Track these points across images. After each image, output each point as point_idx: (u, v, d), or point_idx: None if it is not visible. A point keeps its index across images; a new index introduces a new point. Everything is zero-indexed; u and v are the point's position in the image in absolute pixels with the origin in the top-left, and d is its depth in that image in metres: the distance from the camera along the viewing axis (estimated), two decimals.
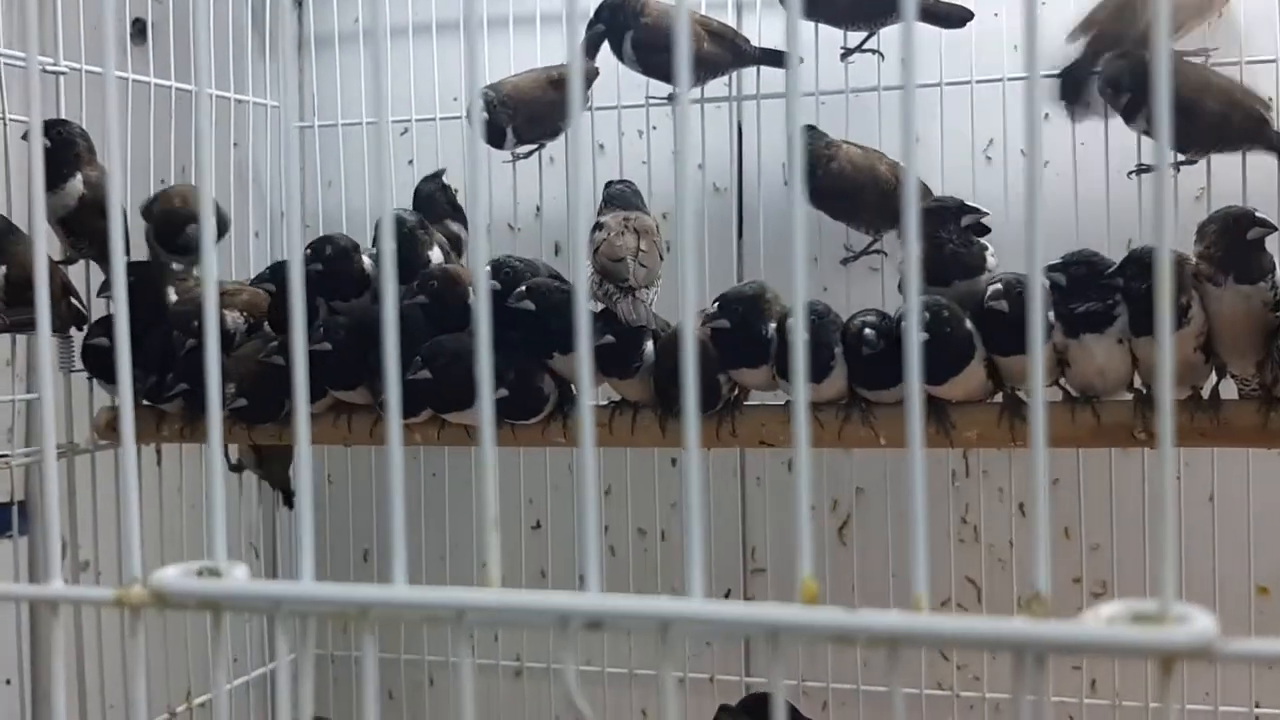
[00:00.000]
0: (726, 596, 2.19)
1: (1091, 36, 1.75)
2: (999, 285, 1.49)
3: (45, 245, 0.68)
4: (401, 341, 1.68)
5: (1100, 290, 1.47)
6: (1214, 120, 1.66)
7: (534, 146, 2.04)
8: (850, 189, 1.82)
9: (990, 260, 1.59)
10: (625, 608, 0.50)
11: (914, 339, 0.55)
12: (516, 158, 2.05)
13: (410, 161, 2.29)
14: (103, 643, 1.87)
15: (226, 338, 1.84)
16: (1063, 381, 1.55)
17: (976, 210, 1.57)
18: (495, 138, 1.94)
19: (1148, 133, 1.71)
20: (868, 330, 1.51)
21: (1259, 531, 1.89)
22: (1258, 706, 1.94)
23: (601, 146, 2.19)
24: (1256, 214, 1.44)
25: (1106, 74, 1.69)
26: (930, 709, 2.04)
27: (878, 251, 1.95)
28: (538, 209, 2.20)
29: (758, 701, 1.89)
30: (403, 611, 0.53)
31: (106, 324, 1.80)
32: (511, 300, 1.64)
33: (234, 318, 1.85)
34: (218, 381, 0.59)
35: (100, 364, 1.81)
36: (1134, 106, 1.66)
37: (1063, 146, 1.95)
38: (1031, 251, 0.54)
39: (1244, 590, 1.92)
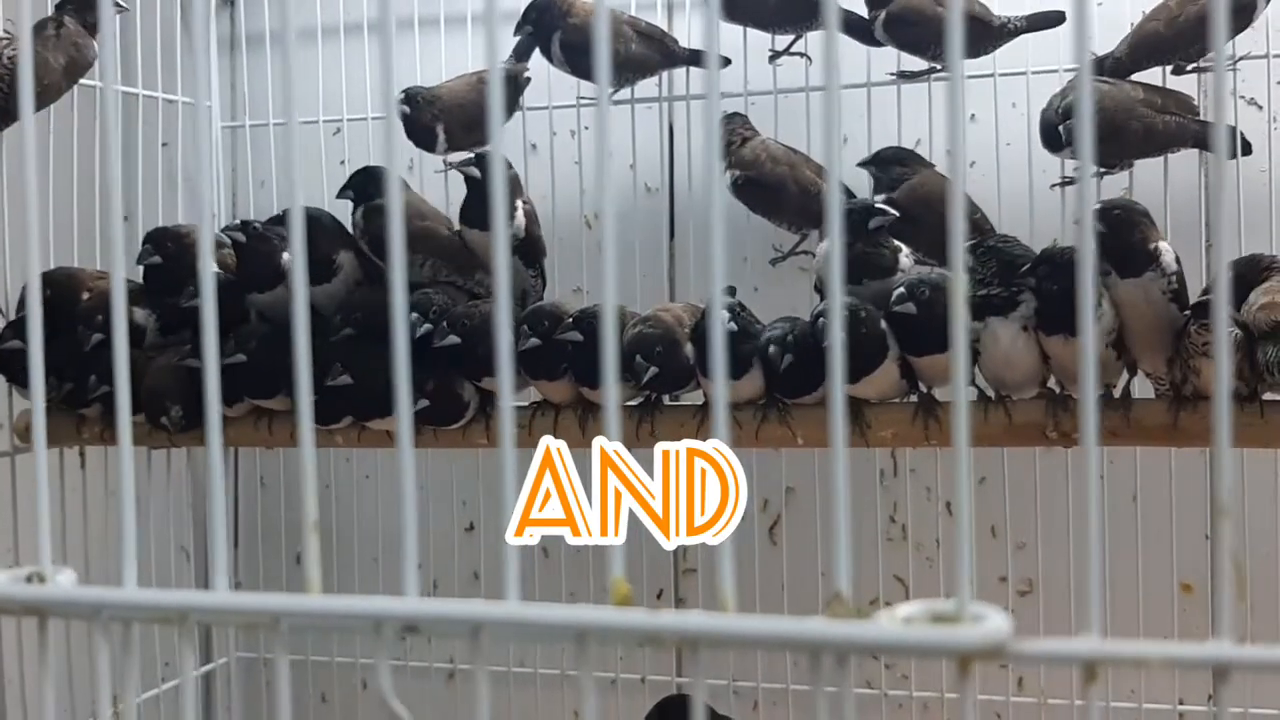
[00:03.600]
0: (659, 597, 2.19)
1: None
2: (903, 289, 1.50)
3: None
4: (324, 350, 1.67)
5: (1005, 276, 1.49)
6: (1138, 136, 1.67)
7: (467, 155, 2.03)
8: (767, 180, 1.82)
9: (904, 261, 1.60)
10: (438, 612, 0.50)
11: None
12: (449, 167, 2.03)
13: (342, 162, 2.27)
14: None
15: (137, 333, 1.82)
16: (977, 380, 1.56)
17: (884, 211, 1.58)
18: (424, 138, 1.92)
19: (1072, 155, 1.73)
20: (772, 348, 1.52)
21: (1182, 529, 1.91)
22: (1181, 703, 1.96)
23: (534, 146, 2.18)
24: (1113, 210, 1.46)
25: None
26: (858, 707, 2.05)
27: (805, 252, 1.95)
28: None
29: (673, 704, 1.89)
30: (222, 616, 0.53)
31: (17, 328, 1.78)
32: (436, 338, 1.65)
33: (144, 314, 1.83)
34: (39, 369, 0.58)
35: (14, 369, 1.79)
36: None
37: (987, 147, 1.96)
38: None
39: (1168, 588, 1.94)
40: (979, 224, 1.81)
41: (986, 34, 1.81)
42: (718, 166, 0.53)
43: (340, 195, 1.85)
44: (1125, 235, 1.42)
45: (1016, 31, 1.82)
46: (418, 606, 0.49)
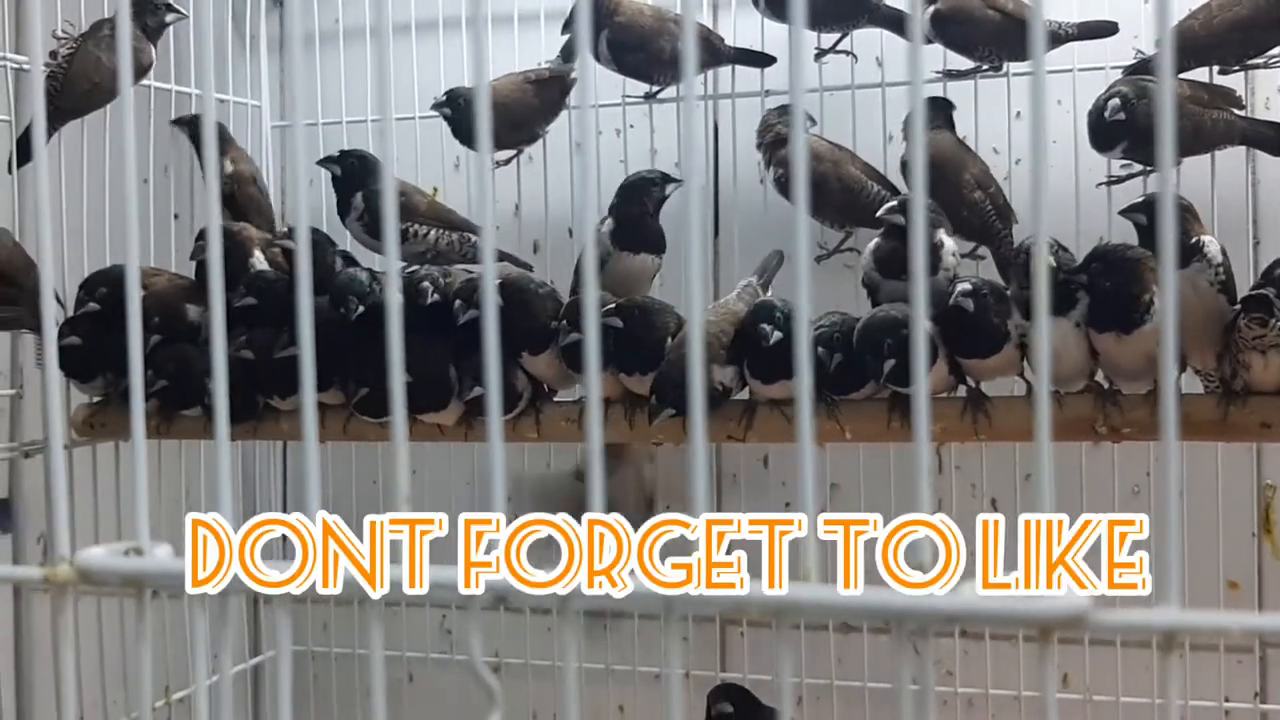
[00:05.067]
0: None
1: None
2: (968, 285, 1.51)
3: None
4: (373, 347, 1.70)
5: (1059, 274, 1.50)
6: (1187, 134, 1.67)
7: (513, 153, 2.05)
8: (811, 179, 1.83)
9: (948, 259, 1.60)
10: (525, 587, 0.51)
11: None
12: (495, 164, 2.06)
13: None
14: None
15: (191, 330, 1.85)
16: (1026, 374, 1.57)
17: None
18: (470, 138, 1.95)
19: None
20: (820, 349, 1.54)
21: (1228, 527, 1.90)
22: (1227, 700, 1.95)
23: (578, 145, 2.20)
24: (1154, 203, 1.47)
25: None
26: (902, 705, 2.05)
27: (850, 249, 1.96)
28: (516, 208, 2.21)
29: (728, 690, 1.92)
30: (315, 589, 0.55)
31: (75, 324, 1.81)
32: (460, 314, 1.67)
33: (197, 310, 1.86)
34: (139, 366, 0.60)
35: (72, 364, 1.82)
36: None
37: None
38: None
39: (1214, 586, 1.93)
40: (994, 197, 1.82)
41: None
42: (802, 191, 0.55)
43: (323, 163, 1.91)
44: (1188, 233, 1.43)
45: (1067, 38, 1.82)
46: (508, 577, 0.51)
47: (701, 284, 0.56)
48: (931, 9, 1.81)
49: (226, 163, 2.00)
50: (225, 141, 2.03)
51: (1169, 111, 0.52)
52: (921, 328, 0.56)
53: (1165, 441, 0.54)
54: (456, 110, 1.92)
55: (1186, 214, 1.49)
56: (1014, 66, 1.94)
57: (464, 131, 1.94)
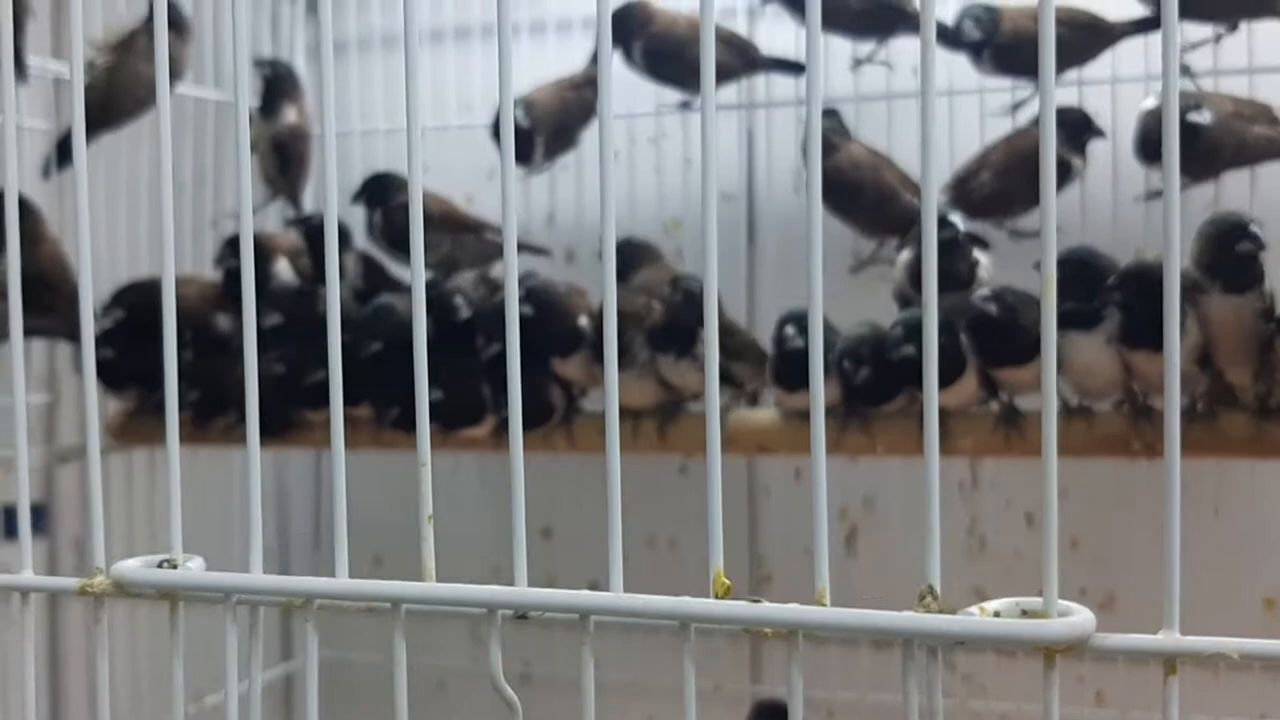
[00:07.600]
0: None
1: None
2: (989, 291, 1.51)
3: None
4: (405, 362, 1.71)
5: (1087, 289, 1.49)
6: (1230, 150, 1.65)
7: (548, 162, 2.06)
8: (849, 185, 1.82)
9: (983, 274, 1.60)
10: (548, 599, 0.52)
11: None
12: (529, 173, 2.06)
13: (425, 169, 2.31)
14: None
15: (222, 342, 1.86)
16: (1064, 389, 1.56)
17: (953, 225, 1.58)
18: (523, 146, 1.94)
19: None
20: (846, 361, 1.54)
21: (1264, 544, 1.88)
22: (1263, 717, 1.93)
23: (615, 154, 2.21)
24: (1250, 227, 1.44)
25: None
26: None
27: (884, 260, 1.95)
28: (550, 216, 2.22)
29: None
30: (343, 601, 0.56)
31: (108, 335, 1.83)
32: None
33: (228, 320, 1.87)
34: (174, 383, 0.62)
35: (106, 375, 1.83)
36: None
37: None
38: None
39: (1251, 604, 1.91)
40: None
41: (1095, 40, 1.79)
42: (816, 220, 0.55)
43: (355, 201, 1.94)
44: (1261, 258, 1.43)
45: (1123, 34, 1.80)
46: (528, 594, 0.52)
47: (714, 298, 0.57)
48: (992, 47, 1.78)
49: (292, 111, 2.02)
50: (294, 89, 2.05)
51: (1173, 133, 0.52)
52: (933, 323, 0.57)
53: (1169, 460, 0.54)
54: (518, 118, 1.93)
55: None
56: (1062, 79, 1.92)
57: (519, 141, 1.94)
